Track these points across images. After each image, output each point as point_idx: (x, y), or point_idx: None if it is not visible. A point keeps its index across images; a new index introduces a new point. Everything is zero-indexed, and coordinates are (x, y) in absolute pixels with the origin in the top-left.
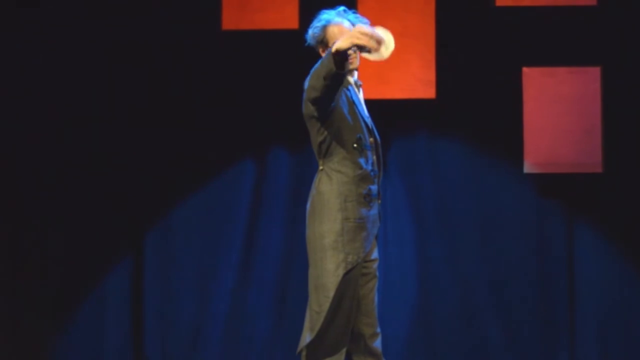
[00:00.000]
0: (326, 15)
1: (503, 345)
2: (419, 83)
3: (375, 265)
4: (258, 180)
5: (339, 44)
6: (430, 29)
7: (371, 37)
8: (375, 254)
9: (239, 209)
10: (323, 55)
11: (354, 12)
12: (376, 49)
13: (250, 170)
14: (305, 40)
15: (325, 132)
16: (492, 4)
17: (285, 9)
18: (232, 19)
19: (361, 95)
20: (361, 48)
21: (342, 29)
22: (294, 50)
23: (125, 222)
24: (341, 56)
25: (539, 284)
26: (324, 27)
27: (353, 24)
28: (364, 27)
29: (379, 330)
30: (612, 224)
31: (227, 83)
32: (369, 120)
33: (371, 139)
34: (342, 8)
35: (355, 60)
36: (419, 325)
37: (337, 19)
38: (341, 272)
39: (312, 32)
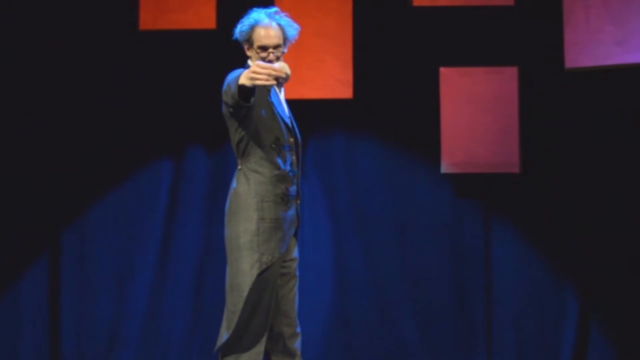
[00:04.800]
0: (256, 14)
1: (420, 344)
2: (336, 83)
3: (294, 264)
4: (175, 179)
5: (242, 80)
6: (347, 28)
7: (269, 75)
8: (295, 254)
9: (156, 209)
10: (247, 52)
11: (286, 16)
12: (274, 84)
13: (167, 170)
14: (224, 39)
15: (243, 132)
16: (409, 4)
17: (203, 9)
18: (149, 19)
19: (282, 95)
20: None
21: (269, 32)
22: (212, 50)
23: (41, 222)
24: (246, 91)
25: (456, 283)
26: (252, 27)
27: (283, 28)
28: (262, 66)
29: (299, 330)
30: (528, 224)
31: (144, 83)
32: (289, 120)
33: (291, 139)
34: (274, 9)
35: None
36: (335, 324)
37: (266, 21)
38: (255, 272)
39: (240, 28)
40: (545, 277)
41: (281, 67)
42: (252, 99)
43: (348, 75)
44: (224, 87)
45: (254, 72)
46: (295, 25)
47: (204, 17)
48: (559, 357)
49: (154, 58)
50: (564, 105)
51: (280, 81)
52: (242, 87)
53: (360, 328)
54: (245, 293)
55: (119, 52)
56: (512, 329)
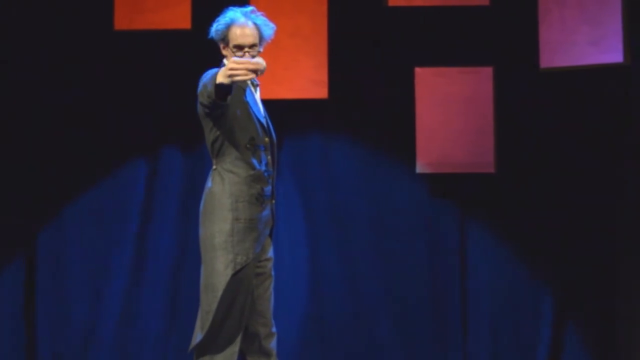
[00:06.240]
0: (232, 13)
1: (395, 343)
2: (311, 83)
3: (269, 264)
4: (150, 179)
5: (220, 78)
6: (322, 28)
7: (247, 69)
8: (270, 254)
9: (131, 209)
10: (223, 52)
11: (262, 15)
12: (253, 77)
13: (142, 170)
14: (199, 40)
15: (218, 132)
16: (384, 4)
17: (178, 9)
18: (124, 19)
19: (258, 95)
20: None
21: (245, 31)
22: (187, 50)
23: (16, 222)
24: (223, 89)
25: (432, 283)
26: (228, 26)
27: (259, 27)
28: (238, 61)
29: (274, 330)
30: (503, 224)
31: (119, 83)
32: (264, 120)
33: (266, 139)
34: (250, 8)
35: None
36: (311, 323)
37: (242, 20)
38: (230, 272)
39: (215, 27)
40: (520, 277)
41: (256, 61)
42: (229, 97)
43: (323, 76)
44: (200, 87)
45: (231, 69)
46: (271, 25)
47: (179, 17)
48: (534, 357)
49: (129, 58)
50: (539, 105)
51: (258, 74)
52: (219, 86)
53: (336, 327)
54: (219, 293)
55: (94, 52)
56: (487, 328)
